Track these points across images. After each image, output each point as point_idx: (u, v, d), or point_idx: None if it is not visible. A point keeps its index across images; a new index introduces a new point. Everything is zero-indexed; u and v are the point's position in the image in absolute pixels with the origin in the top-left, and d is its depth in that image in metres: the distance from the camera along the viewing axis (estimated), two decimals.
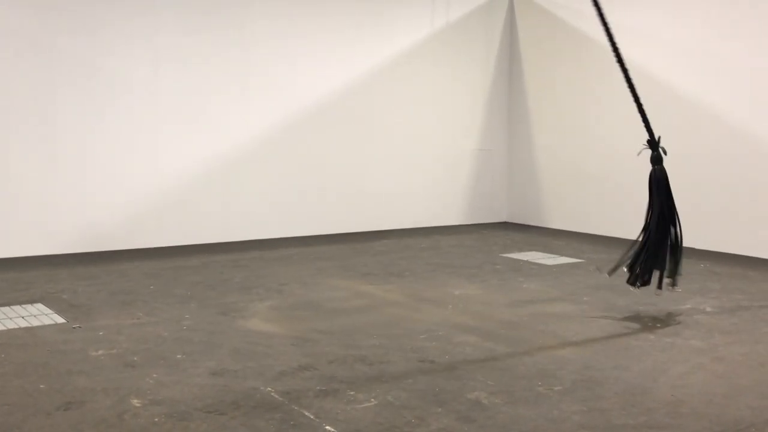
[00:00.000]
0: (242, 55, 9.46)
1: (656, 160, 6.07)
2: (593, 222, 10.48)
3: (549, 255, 8.76)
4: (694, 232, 9.26)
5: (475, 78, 11.36)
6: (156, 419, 3.94)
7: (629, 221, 10.03)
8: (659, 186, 6.04)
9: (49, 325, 5.68)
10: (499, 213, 11.79)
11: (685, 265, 8.08)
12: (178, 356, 4.97)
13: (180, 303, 6.39)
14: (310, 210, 10.08)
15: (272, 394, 4.32)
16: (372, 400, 4.25)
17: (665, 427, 3.91)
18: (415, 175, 10.92)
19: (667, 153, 6.15)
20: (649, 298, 6.67)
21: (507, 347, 5.27)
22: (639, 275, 6.08)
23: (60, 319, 5.84)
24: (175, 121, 9.09)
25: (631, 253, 6.11)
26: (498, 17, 11.43)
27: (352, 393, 4.34)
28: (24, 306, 6.24)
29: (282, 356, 4.99)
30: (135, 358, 4.92)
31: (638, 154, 6.17)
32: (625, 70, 5.90)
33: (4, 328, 5.60)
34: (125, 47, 8.72)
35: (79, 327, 5.64)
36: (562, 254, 8.84)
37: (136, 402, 4.18)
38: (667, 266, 6.06)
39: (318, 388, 4.42)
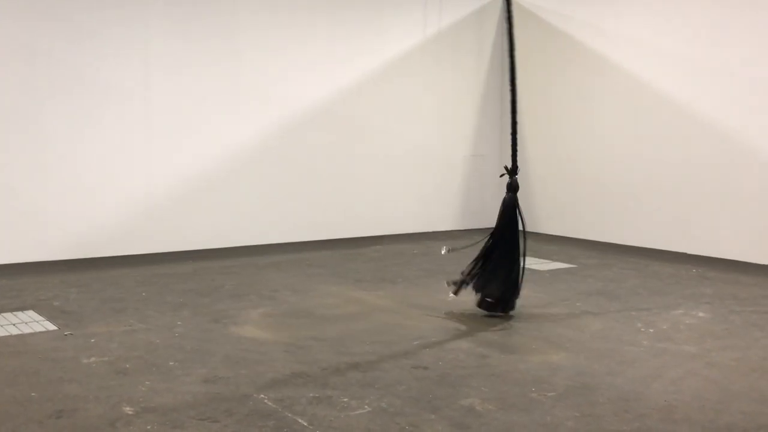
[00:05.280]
0: (234, 62, 9.45)
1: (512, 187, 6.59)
2: (586, 227, 10.50)
3: (542, 260, 8.76)
4: (686, 237, 9.35)
5: (467, 84, 11.37)
6: (149, 427, 3.92)
7: (622, 227, 10.12)
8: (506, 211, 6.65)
9: (41, 333, 5.65)
10: (492, 218, 11.69)
11: (677, 270, 8.19)
12: (171, 363, 4.96)
13: (172, 310, 6.36)
14: (302, 216, 10.06)
15: (265, 401, 4.30)
16: (365, 406, 4.24)
17: None
18: (408, 181, 10.92)
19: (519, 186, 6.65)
20: (642, 304, 6.69)
21: (500, 353, 5.27)
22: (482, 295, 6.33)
23: (51, 327, 5.81)
24: (166, 128, 9.06)
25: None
26: (490, 24, 11.44)
27: (345, 400, 4.33)
28: (15, 313, 6.20)
29: (275, 363, 4.98)
30: (127, 366, 4.90)
31: (501, 176, 6.77)
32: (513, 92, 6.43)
33: None
34: (117, 55, 8.69)
35: (71, 334, 5.61)
36: (554, 260, 8.85)
37: (128, 409, 4.16)
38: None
39: (311, 395, 4.41)
